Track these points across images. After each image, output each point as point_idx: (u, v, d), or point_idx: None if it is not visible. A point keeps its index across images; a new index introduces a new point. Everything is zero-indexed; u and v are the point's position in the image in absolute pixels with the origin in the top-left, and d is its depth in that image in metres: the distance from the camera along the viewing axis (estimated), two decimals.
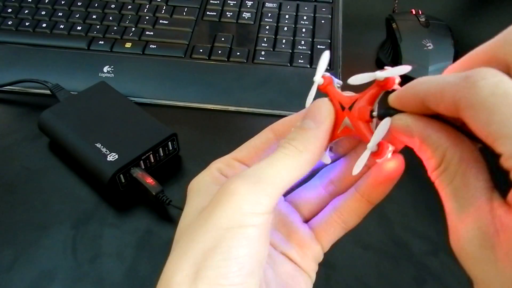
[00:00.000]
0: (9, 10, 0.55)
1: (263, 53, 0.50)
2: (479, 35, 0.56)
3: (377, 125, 0.21)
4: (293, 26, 0.53)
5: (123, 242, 0.37)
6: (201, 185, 0.25)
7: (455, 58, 0.49)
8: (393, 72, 0.21)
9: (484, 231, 0.16)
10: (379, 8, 0.58)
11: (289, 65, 0.49)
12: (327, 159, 0.24)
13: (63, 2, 0.56)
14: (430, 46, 0.48)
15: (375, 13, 0.57)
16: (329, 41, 0.52)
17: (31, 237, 0.37)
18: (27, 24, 0.53)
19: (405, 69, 0.21)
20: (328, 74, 0.24)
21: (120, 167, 0.37)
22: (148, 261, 0.36)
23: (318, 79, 0.24)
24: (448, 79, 0.17)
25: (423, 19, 0.51)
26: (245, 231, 0.20)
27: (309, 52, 0.50)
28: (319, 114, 0.23)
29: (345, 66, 0.50)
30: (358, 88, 0.23)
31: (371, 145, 0.21)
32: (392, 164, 0.23)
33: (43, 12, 0.55)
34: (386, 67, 0.22)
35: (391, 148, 0.22)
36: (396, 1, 0.57)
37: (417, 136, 0.19)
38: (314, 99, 0.24)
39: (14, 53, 0.51)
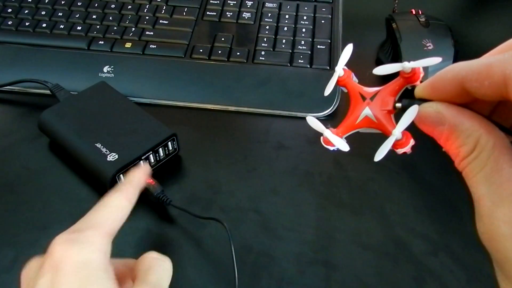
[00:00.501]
0: (9, 10, 0.55)
1: (263, 53, 0.50)
2: (479, 35, 0.56)
3: (400, 116, 0.21)
4: (293, 26, 0.53)
5: (123, 242, 0.37)
6: None
7: (455, 58, 0.49)
8: (422, 63, 0.21)
9: None
10: (379, 8, 0.58)
11: (289, 65, 0.49)
12: (345, 147, 0.24)
13: (63, 2, 0.56)
14: (430, 46, 0.48)
15: (375, 13, 0.57)
16: (329, 41, 0.52)
17: (31, 237, 0.37)
18: (27, 24, 0.53)
19: (434, 60, 0.21)
20: (347, 69, 0.24)
21: (120, 167, 0.37)
22: None
23: (339, 70, 0.24)
24: (494, 57, 0.17)
25: (423, 19, 0.51)
26: None
27: (309, 52, 0.50)
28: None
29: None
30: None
31: (397, 131, 0.21)
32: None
33: (43, 12, 0.55)
34: (412, 61, 0.21)
35: (412, 141, 0.22)
36: (396, 1, 0.57)
37: (449, 123, 0.19)
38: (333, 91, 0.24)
39: (14, 53, 0.51)
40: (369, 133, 0.23)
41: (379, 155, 0.22)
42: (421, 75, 0.21)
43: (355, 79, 0.24)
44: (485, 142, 0.18)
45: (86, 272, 0.24)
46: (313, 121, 0.23)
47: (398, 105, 0.22)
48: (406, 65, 0.21)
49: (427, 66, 0.21)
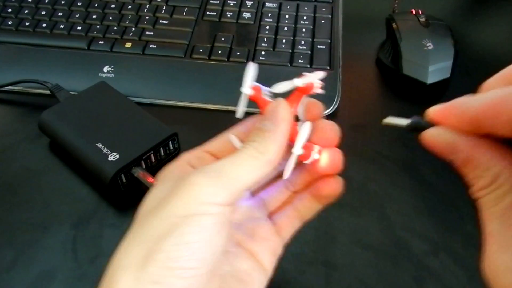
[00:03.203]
0: (9, 10, 0.55)
1: (263, 53, 0.50)
2: (479, 35, 0.56)
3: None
4: (293, 26, 0.53)
5: None
6: (167, 175, 0.25)
7: (455, 58, 0.49)
8: (309, 80, 0.23)
9: None
10: (379, 8, 0.58)
11: (289, 65, 0.49)
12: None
13: (63, 2, 0.56)
14: (430, 46, 0.48)
15: (375, 13, 0.57)
16: (329, 41, 0.52)
17: (31, 237, 0.37)
18: (27, 24, 0.53)
19: (320, 75, 0.23)
20: (256, 84, 0.25)
21: (121, 167, 0.37)
22: None
23: (246, 90, 0.25)
24: (504, 92, 0.16)
25: (423, 19, 0.51)
26: (200, 218, 0.21)
27: (309, 52, 0.50)
28: (277, 116, 0.24)
29: (345, 66, 0.50)
30: None
31: (295, 149, 0.23)
32: (324, 161, 0.24)
33: (43, 12, 0.55)
34: (304, 73, 0.23)
35: (317, 148, 0.23)
36: (396, 1, 0.57)
37: (465, 154, 0.18)
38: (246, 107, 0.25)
39: (14, 53, 0.51)
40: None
41: (286, 173, 0.24)
42: (317, 84, 0.23)
43: (267, 90, 0.25)
44: (505, 179, 0.17)
45: None
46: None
47: (403, 121, 0.21)
48: (296, 82, 0.23)
49: (318, 79, 0.23)
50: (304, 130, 0.22)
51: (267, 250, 0.27)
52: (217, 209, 0.21)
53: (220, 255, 0.22)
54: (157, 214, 0.21)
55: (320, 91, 0.23)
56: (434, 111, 0.20)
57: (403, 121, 0.22)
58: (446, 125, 0.19)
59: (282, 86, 0.24)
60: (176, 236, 0.20)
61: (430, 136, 0.20)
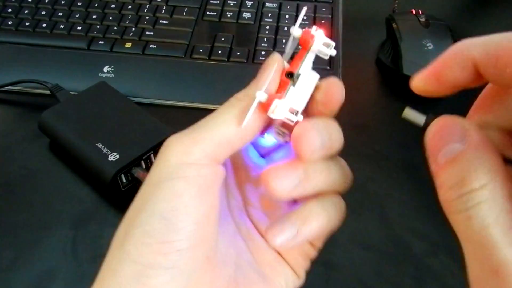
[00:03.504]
0: (9, 10, 0.55)
1: (263, 53, 0.50)
2: (479, 35, 0.56)
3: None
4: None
5: None
6: None
7: None
8: (308, 31, 0.21)
9: None
10: (379, 8, 0.58)
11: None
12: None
13: (63, 2, 0.56)
14: (430, 46, 0.48)
15: (375, 13, 0.57)
16: None
17: (31, 237, 0.37)
18: (27, 24, 0.53)
19: (322, 34, 0.21)
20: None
21: (121, 167, 0.37)
22: None
23: (296, 31, 0.22)
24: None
25: (423, 19, 0.51)
26: (171, 184, 0.18)
27: None
28: (265, 63, 0.21)
29: (345, 66, 0.50)
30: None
31: (259, 93, 0.20)
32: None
33: (43, 12, 0.55)
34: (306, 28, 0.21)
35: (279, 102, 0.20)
36: (396, 1, 0.57)
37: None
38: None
39: (14, 53, 0.51)
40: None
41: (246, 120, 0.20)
42: (320, 39, 0.21)
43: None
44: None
45: None
46: None
47: (421, 119, 0.19)
48: (292, 31, 0.21)
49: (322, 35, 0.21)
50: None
51: (294, 249, 0.23)
52: (192, 171, 0.19)
53: (214, 226, 0.20)
54: (141, 187, 0.20)
55: (327, 50, 0.21)
56: (422, 78, 0.18)
57: (420, 119, 0.19)
58: (440, 89, 0.18)
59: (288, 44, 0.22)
60: (149, 207, 0.18)
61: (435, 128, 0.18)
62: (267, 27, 0.53)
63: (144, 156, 0.39)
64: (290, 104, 0.20)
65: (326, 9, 0.55)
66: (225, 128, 0.20)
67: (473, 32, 0.56)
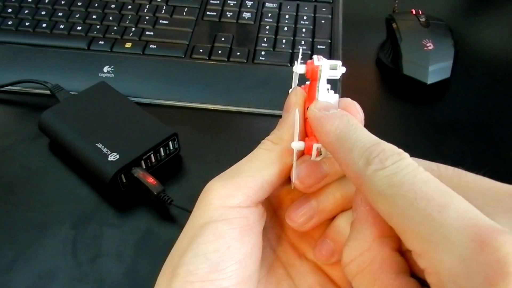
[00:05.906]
0: (9, 10, 0.55)
1: (263, 53, 0.50)
2: (479, 35, 0.56)
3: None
4: (293, 26, 0.53)
5: (124, 242, 0.37)
6: None
7: (455, 58, 0.49)
8: (309, 65, 0.22)
9: None
10: (379, 8, 0.58)
11: (289, 65, 0.49)
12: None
13: (63, 2, 0.56)
14: (430, 46, 0.48)
15: (375, 13, 0.57)
16: (329, 41, 0.52)
17: (31, 237, 0.37)
18: (27, 24, 0.53)
19: (325, 61, 0.22)
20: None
21: (121, 167, 0.37)
22: (149, 261, 0.36)
23: (299, 69, 0.23)
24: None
25: (423, 19, 0.51)
26: (214, 225, 0.20)
27: (309, 52, 0.50)
28: (287, 102, 0.23)
29: (345, 66, 0.50)
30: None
31: (293, 144, 0.21)
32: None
33: (43, 12, 0.55)
34: (308, 61, 0.22)
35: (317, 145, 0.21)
36: (396, 1, 0.57)
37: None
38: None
39: (14, 53, 0.51)
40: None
41: (293, 176, 0.22)
42: (326, 67, 0.22)
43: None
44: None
45: None
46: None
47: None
48: (294, 69, 0.22)
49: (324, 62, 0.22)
50: (296, 119, 0.21)
51: (339, 266, 0.22)
52: (234, 213, 0.20)
53: (256, 264, 0.21)
54: (184, 228, 0.21)
55: (336, 72, 0.22)
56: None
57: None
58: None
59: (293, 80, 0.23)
60: (193, 248, 0.19)
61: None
62: (267, 27, 0.53)
63: (144, 156, 0.39)
64: None
65: (326, 9, 0.55)
66: (267, 174, 0.21)
67: (473, 32, 0.56)
